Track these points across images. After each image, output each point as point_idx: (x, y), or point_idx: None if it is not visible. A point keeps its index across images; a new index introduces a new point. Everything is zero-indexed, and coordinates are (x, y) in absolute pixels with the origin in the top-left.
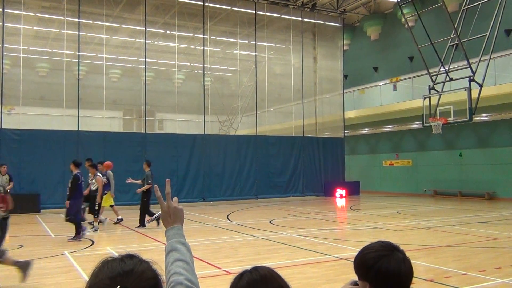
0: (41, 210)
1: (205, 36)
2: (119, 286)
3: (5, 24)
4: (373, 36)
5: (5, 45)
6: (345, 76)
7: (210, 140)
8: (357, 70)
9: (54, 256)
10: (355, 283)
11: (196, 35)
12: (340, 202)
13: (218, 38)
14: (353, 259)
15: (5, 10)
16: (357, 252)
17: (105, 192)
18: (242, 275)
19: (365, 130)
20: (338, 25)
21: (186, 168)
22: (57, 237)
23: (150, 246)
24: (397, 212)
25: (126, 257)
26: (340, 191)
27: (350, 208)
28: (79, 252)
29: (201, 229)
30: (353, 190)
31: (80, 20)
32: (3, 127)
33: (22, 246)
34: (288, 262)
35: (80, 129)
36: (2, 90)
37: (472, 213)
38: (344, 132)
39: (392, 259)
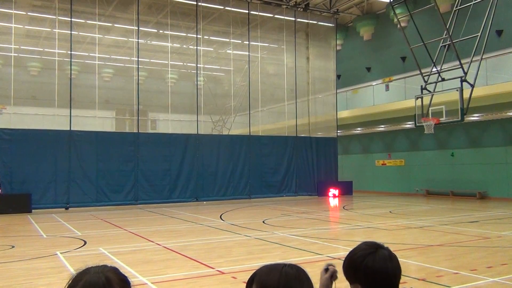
0: (33, 210)
1: (198, 36)
2: None
3: None
4: (366, 36)
5: None
6: (338, 76)
7: (203, 140)
8: (350, 70)
9: (46, 256)
10: (326, 268)
11: (189, 35)
12: (333, 201)
13: (211, 37)
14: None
15: None
16: (345, 256)
17: None
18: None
19: (358, 130)
20: (331, 25)
21: (179, 168)
22: (49, 237)
23: (142, 246)
24: (390, 212)
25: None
26: (333, 191)
27: (343, 207)
28: (71, 252)
29: (194, 229)
30: (346, 189)
31: (72, 19)
32: None
33: (13, 247)
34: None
35: (72, 129)
36: None
37: (463, 212)
38: (337, 132)
39: (377, 256)
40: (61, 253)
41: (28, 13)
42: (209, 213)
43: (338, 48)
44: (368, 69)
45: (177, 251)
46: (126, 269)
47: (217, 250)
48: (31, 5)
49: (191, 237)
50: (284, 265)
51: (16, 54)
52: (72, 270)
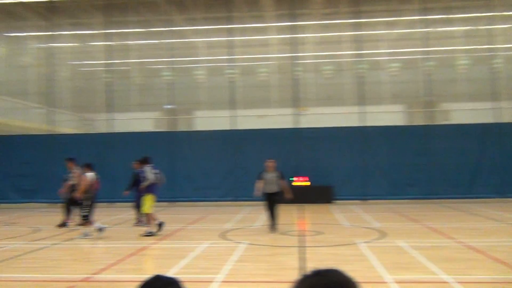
0: (334, 201)
1: (492, 14)
2: None
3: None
4: None
5: (296, 54)
6: None
7: (507, 129)
8: None
9: (348, 244)
10: None
11: (481, 15)
12: None
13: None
14: None
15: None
16: None
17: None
18: None
19: None
20: None
21: (477, 161)
22: (350, 227)
23: (441, 242)
24: None
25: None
26: None
27: None
28: (371, 242)
29: (500, 228)
30: None
31: (359, 20)
32: (300, 126)
33: (320, 233)
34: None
35: (364, 125)
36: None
37: None
38: None
39: None
40: (363, 242)
41: (320, 22)
42: None
43: None
44: None
45: (482, 250)
46: (426, 265)
47: None
48: (321, 14)
49: (497, 237)
50: (323, 274)
51: (312, 61)
52: (373, 260)
